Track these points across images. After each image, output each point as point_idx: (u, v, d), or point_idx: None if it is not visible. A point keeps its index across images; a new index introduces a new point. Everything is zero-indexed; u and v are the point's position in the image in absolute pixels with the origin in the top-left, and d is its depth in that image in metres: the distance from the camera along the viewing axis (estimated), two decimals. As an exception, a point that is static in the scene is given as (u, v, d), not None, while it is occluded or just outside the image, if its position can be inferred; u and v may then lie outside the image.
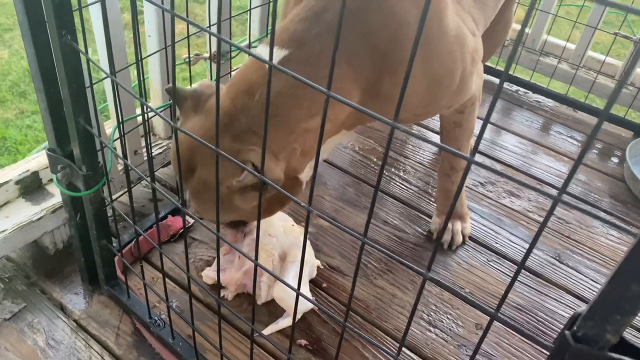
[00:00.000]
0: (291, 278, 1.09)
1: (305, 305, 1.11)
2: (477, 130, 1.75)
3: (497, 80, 1.99)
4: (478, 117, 1.80)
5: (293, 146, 0.90)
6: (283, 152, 0.89)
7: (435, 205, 1.44)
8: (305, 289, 1.15)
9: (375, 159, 1.60)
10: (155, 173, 1.44)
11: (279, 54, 0.86)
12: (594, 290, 1.28)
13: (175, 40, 1.26)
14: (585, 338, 0.46)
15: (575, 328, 0.46)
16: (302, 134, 0.89)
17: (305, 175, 0.99)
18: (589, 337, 0.46)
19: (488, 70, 1.97)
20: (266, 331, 1.11)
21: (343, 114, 0.94)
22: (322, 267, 1.26)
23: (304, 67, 0.86)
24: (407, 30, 0.88)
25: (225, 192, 0.88)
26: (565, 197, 0.42)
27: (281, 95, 0.86)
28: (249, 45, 1.45)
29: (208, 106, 0.89)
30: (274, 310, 1.14)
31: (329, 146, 1.07)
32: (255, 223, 0.92)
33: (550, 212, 0.43)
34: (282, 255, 1.16)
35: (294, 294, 1.13)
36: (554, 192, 1.54)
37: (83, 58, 0.85)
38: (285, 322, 1.12)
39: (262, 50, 0.93)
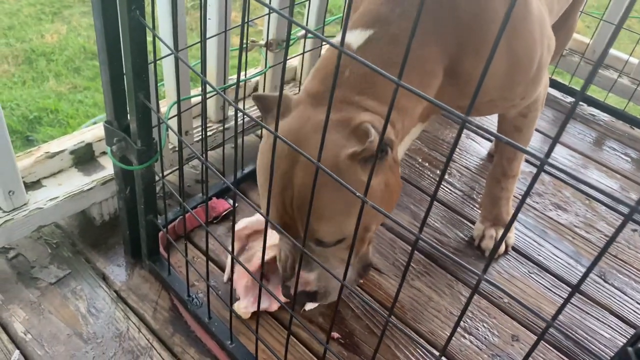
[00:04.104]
0: None
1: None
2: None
3: (552, 91, 1.94)
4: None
5: (398, 120, 0.86)
6: (393, 121, 0.85)
7: (479, 211, 1.42)
8: None
9: (420, 160, 1.58)
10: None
11: (363, 35, 0.84)
12: (639, 314, 1.23)
13: (231, 27, 1.28)
14: (649, 356, 0.44)
15: (639, 345, 0.44)
16: (398, 112, 0.85)
17: (399, 158, 0.93)
18: (654, 356, 0.44)
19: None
20: (308, 306, 1.12)
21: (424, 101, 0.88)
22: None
23: (390, 46, 0.83)
24: (493, 5, 0.84)
25: (347, 164, 0.77)
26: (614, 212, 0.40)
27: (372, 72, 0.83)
28: (305, 36, 1.45)
29: (294, 103, 0.84)
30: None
31: (407, 140, 0.98)
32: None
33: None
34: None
35: None
36: (603, 209, 1.49)
37: (147, 35, 0.86)
38: None
39: (347, 36, 0.87)
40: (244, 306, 1.09)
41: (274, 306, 1.11)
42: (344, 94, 0.81)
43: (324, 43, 1.44)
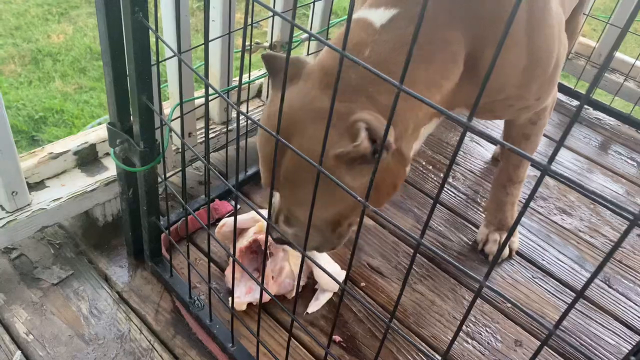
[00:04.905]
0: (322, 260, 1.15)
1: (339, 277, 1.16)
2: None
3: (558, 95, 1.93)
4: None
5: (406, 117, 0.80)
6: (396, 120, 0.79)
7: (483, 215, 1.41)
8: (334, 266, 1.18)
9: (424, 162, 1.58)
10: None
11: (387, 13, 0.81)
12: (644, 320, 1.22)
13: (235, 29, 1.27)
14: (652, 366, 0.43)
15: (642, 354, 0.44)
16: (418, 105, 0.80)
17: (410, 155, 0.87)
18: (657, 366, 0.43)
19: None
20: (310, 309, 1.13)
21: (448, 87, 0.85)
22: (363, 265, 1.25)
23: (414, 25, 0.80)
24: None
25: (331, 164, 0.74)
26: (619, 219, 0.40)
27: (395, 52, 0.79)
28: (309, 38, 1.45)
29: (307, 71, 0.80)
30: (308, 302, 1.14)
31: (425, 133, 0.93)
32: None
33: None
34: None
35: (329, 271, 1.14)
36: (607, 213, 1.48)
37: (150, 37, 0.86)
38: (324, 297, 1.15)
39: (366, 13, 0.83)
40: (237, 296, 1.09)
41: (267, 296, 1.10)
42: (359, 79, 0.76)
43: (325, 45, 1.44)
